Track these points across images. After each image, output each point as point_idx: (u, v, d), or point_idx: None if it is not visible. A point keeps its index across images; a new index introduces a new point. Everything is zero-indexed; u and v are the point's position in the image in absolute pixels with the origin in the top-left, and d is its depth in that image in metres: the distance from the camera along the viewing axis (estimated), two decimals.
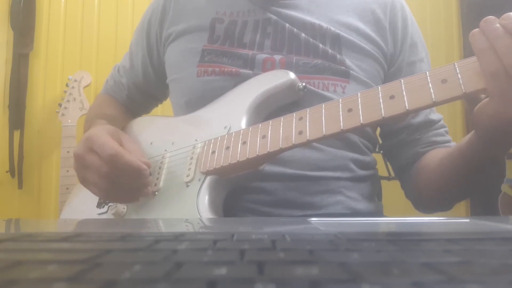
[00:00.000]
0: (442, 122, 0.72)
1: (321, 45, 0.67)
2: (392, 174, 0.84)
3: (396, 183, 0.77)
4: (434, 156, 0.66)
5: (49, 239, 0.24)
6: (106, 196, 0.62)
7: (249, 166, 0.57)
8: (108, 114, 0.81)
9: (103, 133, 0.60)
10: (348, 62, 0.67)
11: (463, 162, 0.57)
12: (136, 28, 0.85)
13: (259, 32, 0.69)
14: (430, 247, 0.21)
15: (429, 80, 0.45)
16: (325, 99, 0.62)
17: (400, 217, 0.39)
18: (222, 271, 0.15)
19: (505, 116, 0.43)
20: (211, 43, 0.70)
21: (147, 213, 0.63)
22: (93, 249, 0.20)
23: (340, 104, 0.50)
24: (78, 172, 0.62)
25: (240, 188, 0.62)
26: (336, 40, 0.68)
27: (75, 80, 1.56)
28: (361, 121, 0.47)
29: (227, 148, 0.58)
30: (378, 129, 0.76)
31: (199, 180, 0.59)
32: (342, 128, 0.48)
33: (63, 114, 1.52)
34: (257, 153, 0.54)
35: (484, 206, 1.53)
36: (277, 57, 0.67)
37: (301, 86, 0.62)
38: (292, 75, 0.63)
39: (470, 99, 0.48)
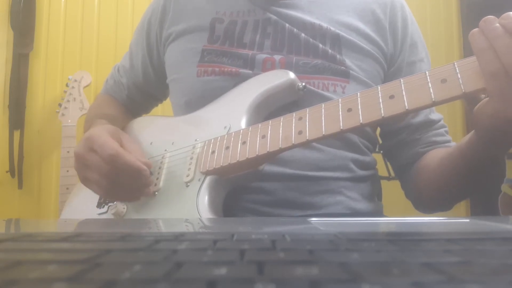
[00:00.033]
0: (442, 122, 0.72)
1: (321, 45, 0.67)
2: (392, 174, 0.84)
3: (396, 183, 0.77)
4: (434, 156, 0.66)
5: (49, 239, 0.24)
6: (107, 195, 0.62)
7: (249, 166, 0.57)
8: (108, 114, 0.81)
9: (103, 133, 0.60)
10: (348, 62, 0.67)
11: (463, 162, 0.57)
12: (136, 28, 0.85)
13: (259, 32, 0.69)
14: (430, 247, 0.21)
15: (428, 80, 0.45)
16: (325, 99, 0.62)
17: (400, 217, 0.39)
18: (222, 271, 0.15)
19: (504, 115, 0.43)
20: (211, 43, 0.70)
21: (147, 213, 0.63)
22: (93, 249, 0.20)
23: (340, 104, 0.50)
24: (78, 171, 0.62)
25: (240, 188, 0.62)
26: (336, 40, 0.68)
27: (75, 80, 1.56)
28: (361, 121, 0.47)
29: (227, 148, 0.58)
30: (378, 129, 0.76)
31: (199, 180, 0.59)
32: (341, 128, 0.48)
33: (63, 114, 1.52)
34: (257, 153, 0.54)
35: (484, 206, 1.53)
36: (277, 57, 0.67)
37: (301, 86, 0.62)
38: (292, 75, 0.63)
39: (469, 99, 0.48)
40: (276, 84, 0.63)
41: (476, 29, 0.44)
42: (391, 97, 0.46)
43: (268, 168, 0.61)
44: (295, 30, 0.68)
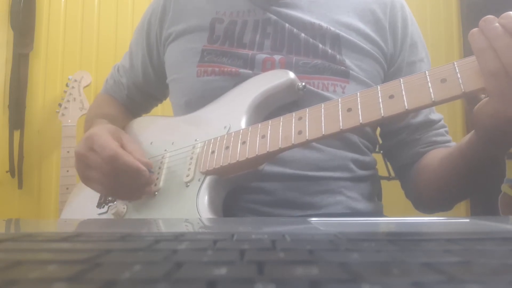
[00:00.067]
0: (442, 122, 0.72)
1: (321, 45, 0.67)
2: (392, 174, 0.84)
3: (396, 183, 0.77)
4: (434, 156, 0.66)
5: (49, 239, 0.24)
6: (108, 193, 0.63)
7: (249, 166, 0.57)
8: (108, 113, 0.81)
9: (103, 132, 0.61)
10: (348, 62, 0.67)
11: (463, 162, 0.57)
12: (136, 28, 0.85)
13: (259, 32, 0.69)
14: (430, 247, 0.21)
15: (428, 80, 0.45)
16: (325, 99, 0.62)
17: (400, 217, 0.39)
18: (222, 271, 0.15)
19: (504, 115, 0.43)
20: (211, 43, 0.70)
21: (147, 213, 0.63)
22: (93, 249, 0.20)
23: (340, 104, 0.50)
24: (79, 170, 0.63)
25: (240, 188, 0.62)
26: (336, 40, 0.68)
27: (75, 80, 1.56)
28: (361, 121, 0.47)
29: (227, 148, 0.58)
30: (378, 129, 0.76)
31: (199, 180, 0.59)
32: (341, 127, 0.48)
33: (63, 114, 1.52)
34: (257, 153, 0.54)
35: (484, 206, 1.53)
36: (277, 57, 0.67)
37: (300, 86, 0.62)
38: (291, 75, 0.63)
39: (469, 99, 0.47)
40: (276, 84, 0.63)
41: (475, 29, 0.44)
42: (391, 97, 0.46)
43: (268, 168, 0.61)
44: (295, 30, 0.68)
